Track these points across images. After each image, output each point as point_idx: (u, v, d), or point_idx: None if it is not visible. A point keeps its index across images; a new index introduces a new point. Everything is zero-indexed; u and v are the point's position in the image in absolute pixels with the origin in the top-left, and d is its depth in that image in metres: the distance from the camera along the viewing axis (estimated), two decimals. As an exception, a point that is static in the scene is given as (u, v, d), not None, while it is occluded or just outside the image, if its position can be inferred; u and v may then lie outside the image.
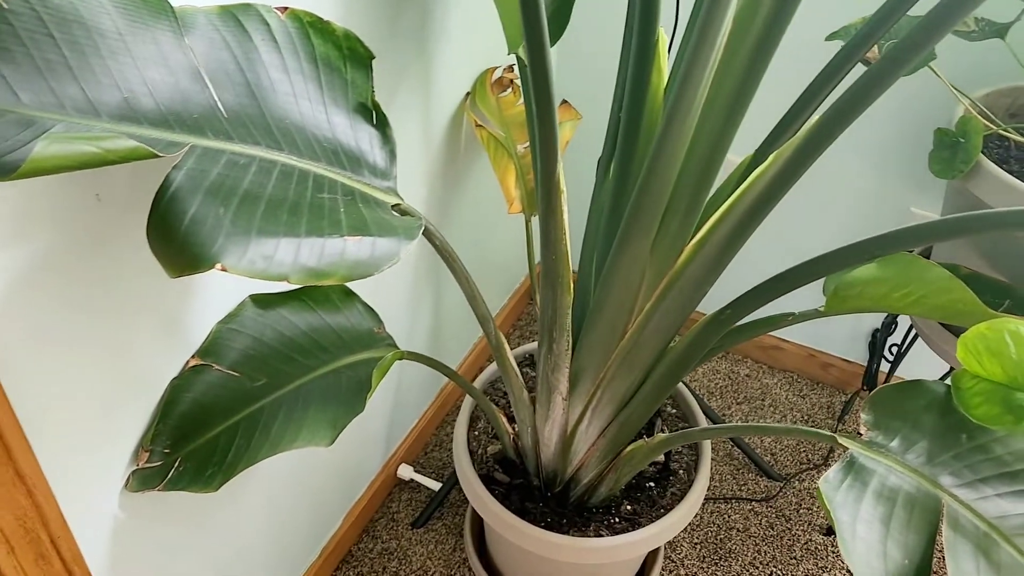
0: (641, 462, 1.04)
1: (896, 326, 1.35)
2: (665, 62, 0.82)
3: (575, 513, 1.11)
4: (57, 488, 0.72)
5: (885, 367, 1.50)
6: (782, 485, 1.49)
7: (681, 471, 1.16)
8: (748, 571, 1.36)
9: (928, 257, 1.22)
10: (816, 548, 1.39)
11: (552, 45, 1.00)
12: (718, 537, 1.41)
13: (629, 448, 1.03)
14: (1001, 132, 1.02)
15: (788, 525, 1.43)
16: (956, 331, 1.07)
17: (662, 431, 1.17)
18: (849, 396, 1.64)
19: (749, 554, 1.38)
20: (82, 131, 0.58)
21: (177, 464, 0.82)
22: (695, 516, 1.44)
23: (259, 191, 0.65)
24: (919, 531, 0.70)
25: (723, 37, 0.67)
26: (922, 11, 0.65)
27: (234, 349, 0.88)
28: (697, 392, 1.66)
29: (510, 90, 1.34)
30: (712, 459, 1.49)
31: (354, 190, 0.73)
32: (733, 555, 1.38)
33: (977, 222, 0.60)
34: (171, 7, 0.66)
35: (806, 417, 1.61)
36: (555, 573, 1.19)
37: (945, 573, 1.34)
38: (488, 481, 1.13)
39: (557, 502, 1.12)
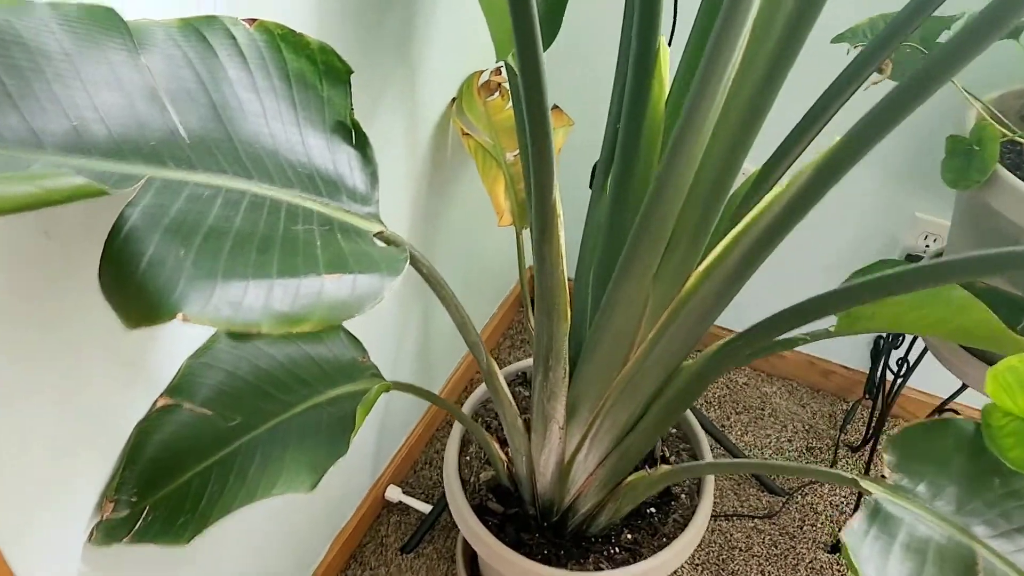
0: (643, 493, 0.98)
1: (903, 338, 1.30)
2: (666, 72, 0.76)
3: (573, 543, 1.05)
4: (9, 550, 0.66)
5: (889, 376, 1.45)
6: (784, 500, 1.44)
7: (683, 495, 1.10)
8: (751, 592, 1.32)
9: (937, 267, 1.17)
10: (821, 567, 1.35)
11: (544, 51, 0.94)
12: (720, 557, 1.36)
13: (630, 478, 0.97)
14: (1017, 138, 0.97)
15: (792, 543, 1.38)
16: (972, 350, 1.02)
17: (663, 455, 1.12)
18: (851, 404, 1.59)
19: (752, 574, 1.33)
20: (21, 167, 0.52)
21: (145, 513, 0.76)
22: (695, 534, 1.38)
23: (225, 226, 0.58)
24: (952, 586, 0.65)
25: (742, 42, 0.61)
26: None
27: (206, 385, 0.82)
28: (695, 403, 1.61)
29: (497, 94, 1.28)
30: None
31: (332, 219, 0.67)
32: None
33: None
34: (124, 22, 0.59)
35: (807, 427, 1.56)
36: (552, 604, 1.13)
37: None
38: (481, 511, 1.07)
39: (554, 532, 1.07)
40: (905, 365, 1.24)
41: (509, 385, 1.03)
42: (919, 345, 1.28)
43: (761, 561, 1.35)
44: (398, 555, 1.34)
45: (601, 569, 1.01)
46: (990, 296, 1.00)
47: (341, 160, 0.71)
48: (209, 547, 0.95)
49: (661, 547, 1.01)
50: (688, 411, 1.16)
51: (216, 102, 0.64)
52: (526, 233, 1.15)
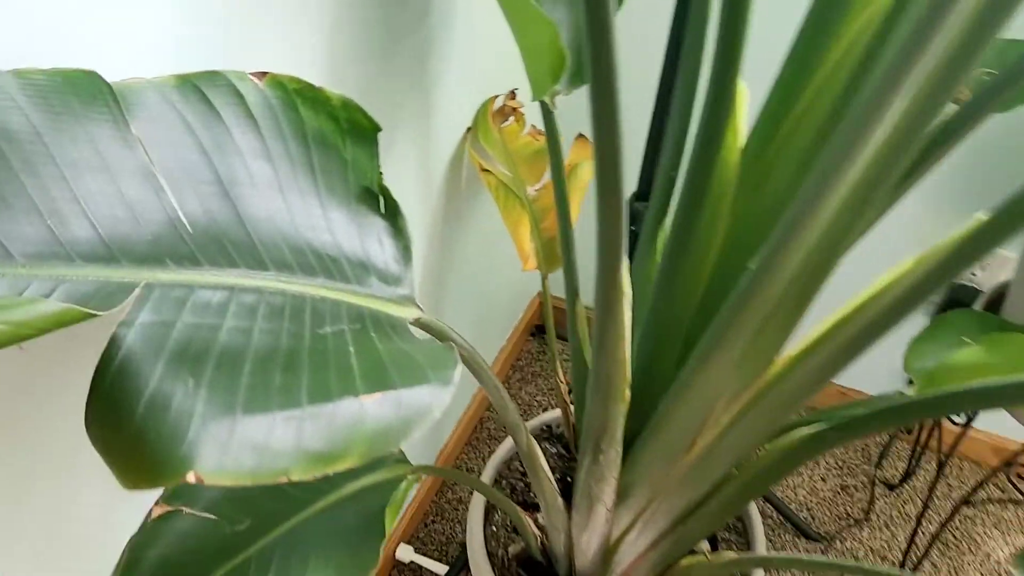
0: (698, 577, 0.88)
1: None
2: (743, 119, 0.66)
3: (615, 625, 0.95)
4: None
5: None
6: (823, 547, 1.35)
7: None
8: (793, 650, 1.23)
9: (997, 309, 1.08)
10: (866, 620, 1.26)
11: (583, 84, 0.83)
12: (758, 611, 1.27)
13: (685, 562, 0.87)
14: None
15: (833, 594, 1.29)
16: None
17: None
18: (887, 439, 1.50)
19: (793, 630, 1.25)
20: (-17, 289, 0.41)
21: (142, 646, 0.65)
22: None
23: (241, 344, 0.47)
24: None
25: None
26: None
27: (209, 487, 0.71)
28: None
29: (512, 119, 1.17)
30: (744, 519, 1.35)
31: (364, 312, 0.56)
32: (774, 631, 1.24)
33: None
34: (108, 86, 0.48)
35: (840, 463, 1.47)
36: None
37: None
38: (512, 588, 0.97)
39: (593, 612, 0.97)
40: (965, 412, 1.15)
41: (535, 439, 0.93)
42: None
43: (802, 615, 1.27)
44: (412, 620, 1.24)
45: (649, 657, 0.91)
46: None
47: (369, 234, 0.60)
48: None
49: (713, 628, 0.92)
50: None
51: (223, 177, 0.52)
52: (554, 279, 1.05)
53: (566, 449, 1.13)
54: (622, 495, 0.81)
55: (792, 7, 0.82)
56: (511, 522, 1.05)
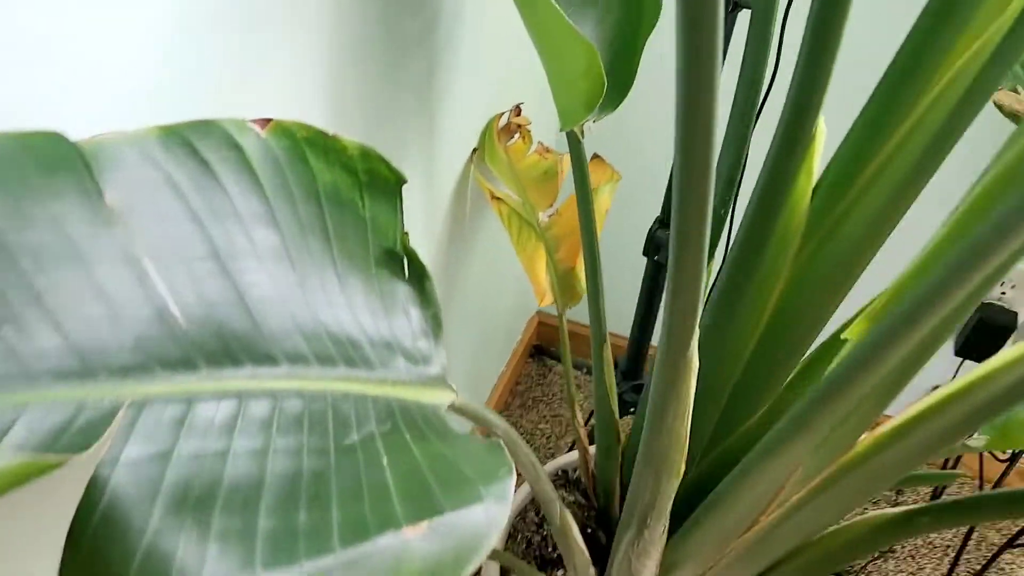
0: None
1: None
2: (817, 161, 0.57)
3: None
4: None
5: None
6: (847, 581, 1.28)
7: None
8: None
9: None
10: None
11: (613, 110, 0.74)
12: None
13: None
14: None
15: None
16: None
17: None
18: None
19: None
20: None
21: None
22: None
23: (255, 474, 0.38)
24: None
25: None
26: None
27: None
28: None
29: (517, 136, 1.08)
30: None
31: (393, 407, 0.46)
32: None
33: None
34: (73, 148, 0.38)
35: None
36: None
37: None
38: (534, 659, 0.88)
39: None
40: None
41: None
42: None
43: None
44: None
45: None
46: None
47: (393, 305, 0.51)
48: None
49: None
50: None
51: (220, 250, 0.43)
52: (576, 313, 0.96)
53: (584, 496, 1.04)
54: (665, 571, 0.72)
55: (883, 32, 0.74)
56: (529, 581, 0.97)
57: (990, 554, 1.22)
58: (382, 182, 0.50)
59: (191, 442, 0.37)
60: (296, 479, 0.38)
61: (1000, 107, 0.81)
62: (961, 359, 1.25)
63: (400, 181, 0.50)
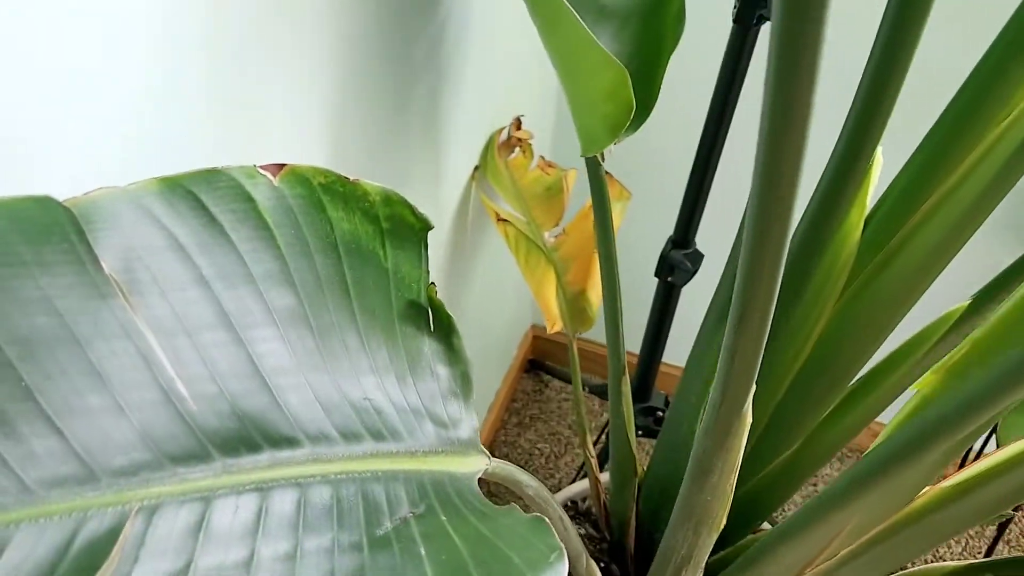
0: None
1: None
2: (871, 191, 0.53)
3: None
4: None
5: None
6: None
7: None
8: None
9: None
10: None
11: (634, 132, 0.69)
12: None
13: None
14: None
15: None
16: None
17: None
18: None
19: None
20: None
21: None
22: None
23: (284, 587, 0.33)
24: None
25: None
26: None
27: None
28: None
29: (518, 150, 1.03)
30: None
31: (425, 484, 0.42)
32: None
33: None
34: (65, 211, 0.34)
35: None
36: None
37: None
38: None
39: None
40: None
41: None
42: None
43: None
44: None
45: None
46: None
47: (419, 365, 0.46)
48: None
49: None
50: None
51: (232, 317, 0.38)
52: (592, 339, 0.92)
53: (595, 528, 1.00)
54: (698, 620, 0.68)
55: (952, 51, 0.70)
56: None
57: None
58: (406, 229, 0.45)
59: (210, 554, 0.32)
60: (330, 588, 0.34)
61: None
62: None
63: (426, 227, 0.45)
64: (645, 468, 0.88)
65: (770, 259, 0.36)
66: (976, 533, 1.33)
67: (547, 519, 0.41)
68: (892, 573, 0.59)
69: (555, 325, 0.91)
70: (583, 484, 1.03)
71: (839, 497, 0.48)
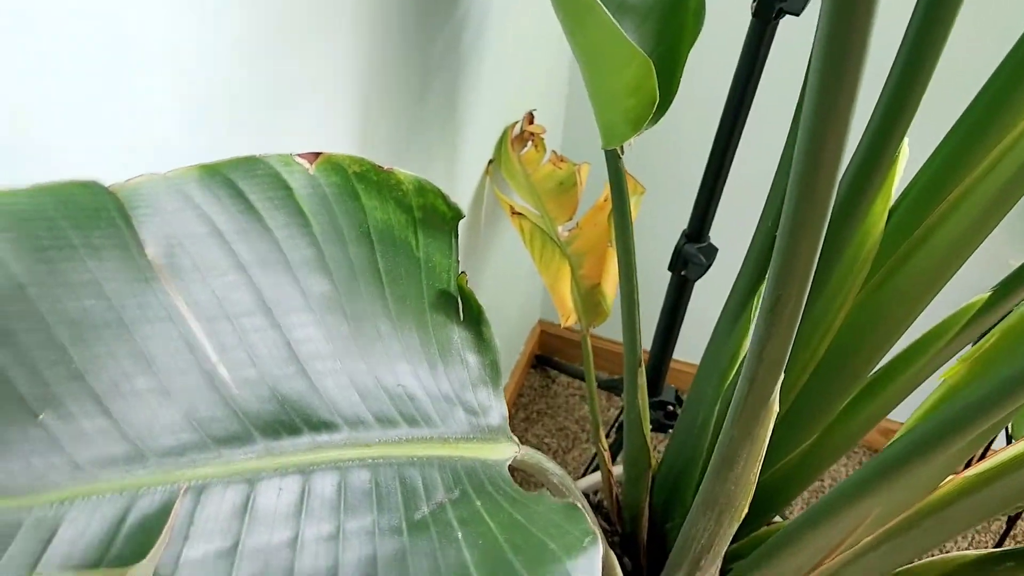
0: None
1: None
2: (896, 182, 0.54)
3: None
4: None
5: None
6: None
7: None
8: None
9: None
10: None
11: (653, 125, 0.70)
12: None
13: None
14: None
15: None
16: None
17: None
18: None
19: None
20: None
21: None
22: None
23: (328, 566, 0.33)
24: None
25: None
26: None
27: None
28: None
29: (530, 145, 1.03)
30: None
31: (459, 470, 0.42)
32: None
33: None
34: (111, 196, 0.34)
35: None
36: None
37: None
38: None
39: None
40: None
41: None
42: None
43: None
44: None
45: None
46: None
47: (449, 353, 0.46)
48: None
49: None
50: None
51: (270, 303, 0.38)
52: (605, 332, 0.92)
53: (607, 521, 1.01)
54: (716, 611, 0.69)
55: (978, 46, 0.70)
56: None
57: None
58: (438, 219, 0.45)
59: (256, 533, 0.32)
60: (371, 566, 0.34)
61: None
62: None
63: (457, 216, 0.46)
64: (658, 461, 0.88)
65: (807, 248, 0.36)
66: (983, 528, 1.33)
67: (580, 506, 0.42)
68: (911, 562, 0.59)
69: (569, 319, 0.91)
70: (594, 478, 1.04)
71: (864, 484, 0.49)
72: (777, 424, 0.68)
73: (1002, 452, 0.48)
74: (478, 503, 0.41)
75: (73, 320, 0.31)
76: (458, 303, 0.47)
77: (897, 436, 0.49)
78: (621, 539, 0.97)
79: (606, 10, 0.53)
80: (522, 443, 0.65)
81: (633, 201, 0.97)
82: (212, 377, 0.35)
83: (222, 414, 0.35)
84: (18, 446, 0.29)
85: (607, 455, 0.96)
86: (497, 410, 0.48)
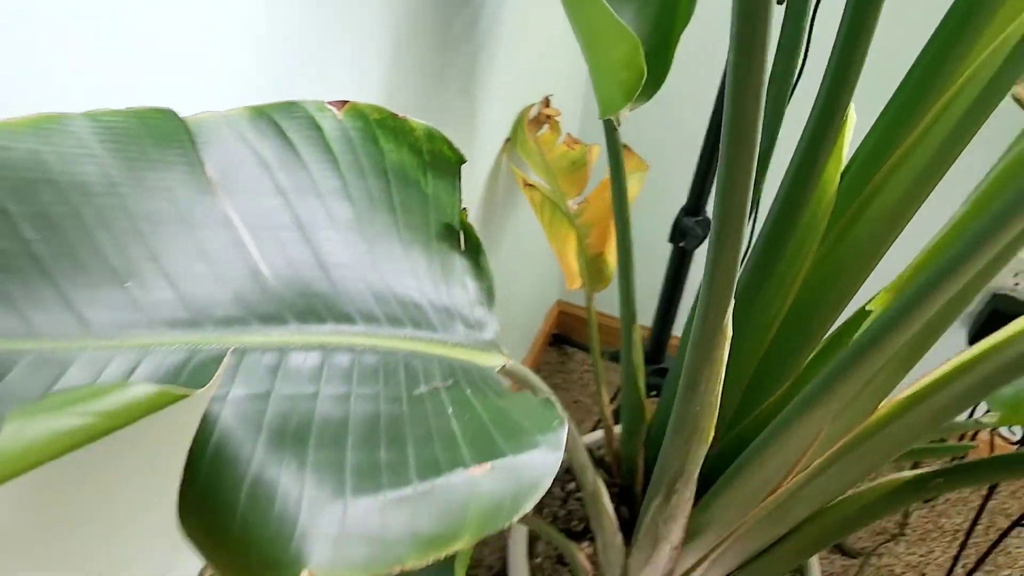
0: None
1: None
2: (846, 146, 0.61)
3: (671, 661, 0.91)
4: None
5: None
6: (859, 564, 1.32)
7: (784, 593, 0.97)
8: (834, 671, 1.20)
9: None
10: (906, 638, 1.24)
11: (647, 100, 0.78)
12: (797, 632, 1.23)
13: (752, 601, 0.84)
14: None
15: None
16: None
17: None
18: (917, 450, 1.47)
19: (833, 650, 1.22)
20: (58, 369, 0.35)
21: None
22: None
23: (341, 415, 0.42)
24: None
25: None
26: None
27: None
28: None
29: (547, 127, 1.12)
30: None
31: (455, 367, 0.51)
32: (814, 652, 1.21)
33: None
34: (182, 124, 0.43)
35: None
36: None
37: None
38: (561, 625, 0.93)
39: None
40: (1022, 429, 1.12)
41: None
42: None
43: (841, 634, 1.24)
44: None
45: None
46: None
47: (451, 277, 0.55)
48: None
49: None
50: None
51: (303, 221, 0.47)
52: (601, 298, 1.00)
53: (608, 473, 1.09)
54: (691, 535, 0.77)
55: (910, 28, 0.77)
56: (556, 552, 1.01)
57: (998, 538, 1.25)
58: (444, 162, 0.54)
59: (285, 386, 0.41)
60: (375, 421, 0.43)
61: (1019, 101, 0.84)
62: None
63: (460, 161, 0.54)
64: (652, 416, 0.96)
65: (741, 181, 0.44)
66: (958, 501, 1.39)
67: (553, 399, 0.50)
68: (859, 484, 0.67)
69: (575, 282, 1.00)
70: (597, 434, 1.12)
71: (811, 397, 0.57)
72: (747, 382, 0.75)
73: (926, 377, 0.56)
74: (468, 391, 0.49)
75: (150, 216, 0.40)
76: (460, 236, 0.56)
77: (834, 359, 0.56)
78: (620, 491, 1.05)
79: (600, -5, 0.61)
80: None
81: (638, 177, 1.05)
82: (255, 272, 0.44)
83: (262, 300, 0.44)
84: (110, 304, 0.38)
85: (608, 410, 1.04)
86: (491, 327, 0.56)
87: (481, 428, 0.46)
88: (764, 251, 0.67)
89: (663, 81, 0.77)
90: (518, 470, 0.44)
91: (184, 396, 0.34)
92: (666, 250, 1.04)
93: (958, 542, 1.34)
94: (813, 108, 0.59)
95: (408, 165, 0.53)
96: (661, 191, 1.17)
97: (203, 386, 0.37)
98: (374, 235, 0.51)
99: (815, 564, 0.97)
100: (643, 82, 0.67)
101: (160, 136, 0.41)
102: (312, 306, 0.46)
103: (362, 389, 0.44)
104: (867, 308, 0.59)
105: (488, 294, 0.57)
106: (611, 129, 0.77)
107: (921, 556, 1.34)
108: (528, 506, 0.44)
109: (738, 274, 0.53)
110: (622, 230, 0.81)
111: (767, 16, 0.36)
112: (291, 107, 0.48)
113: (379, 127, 0.52)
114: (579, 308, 1.61)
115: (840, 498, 0.70)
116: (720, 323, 0.55)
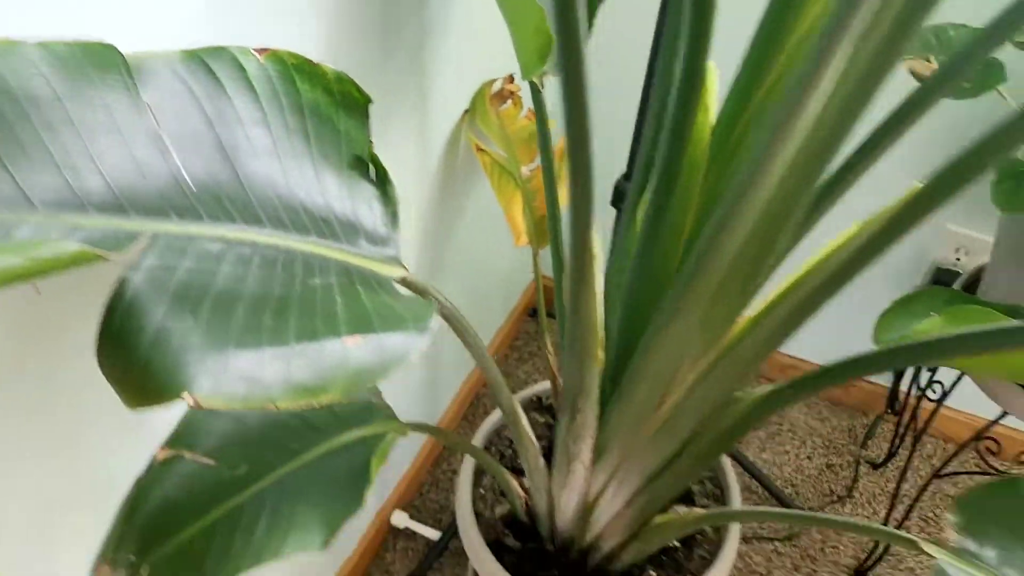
0: (672, 535, 0.93)
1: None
2: (713, 98, 0.70)
3: (595, 582, 1.00)
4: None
5: (914, 389, 1.40)
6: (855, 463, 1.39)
7: (708, 529, 1.06)
8: (772, 619, 1.28)
9: (974, 290, 1.12)
10: (843, 592, 1.31)
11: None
12: (739, 582, 1.32)
13: (660, 519, 0.92)
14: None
15: (814, 566, 1.34)
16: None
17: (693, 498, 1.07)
18: (872, 419, 1.54)
19: (772, 600, 1.30)
20: (6, 231, 0.46)
21: (147, 576, 0.70)
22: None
23: (236, 288, 0.52)
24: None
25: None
26: None
27: (210, 434, 0.76)
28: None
29: (510, 102, 1.22)
30: (729, 494, 1.40)
31: (351, 268, 0.61)
32: (755, 601, 1.29)
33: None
34: (123, 58, 0.53)
35: (827, 443, 1.51)
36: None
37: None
38: (497, 547, 1.02)
39: (574, 570, 1.02)
40: (940, 388, 1.19)
41: (524, 411, 0.98)
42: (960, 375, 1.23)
43: (782, 586, 1.31)
44: (406, 582, 1.29)
45: (625, 612, 0.96)
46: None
47: (359, 199, 0.65)
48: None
49: (687, 587, 0.97)
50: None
51: (224, 142, 0.58)
52: (544, 255, 1.10)
53: (553, 418, 1.18)
54: (598, 454, 0.86)
55: None
56: (499, 486, 1.10)
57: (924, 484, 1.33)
58: (353, 101, 0.64)
59: (191, 262, 0.51)
60: (266, 297, 0.53)
61: (915, 74, 0.93)
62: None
63: (367, 101, 0.65)
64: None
65: (578, 113, 0.54)
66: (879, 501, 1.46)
67: (434, 301, 0.60)
68: (731, 392, 0.75)
69: (521, 239, 1.09)
70: (547, 384, 1.21)
71: (670, 306, 0.66)
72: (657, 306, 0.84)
73: (771, 292, 0.65)
74: (360, 288, 0.59)
75: (89, 124, 0.51)
76: (369, 167, 0.66)
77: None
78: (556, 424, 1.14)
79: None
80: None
81: (582, 146, 1.14)
82: (178, 175, 0.55)
83: (181, 198, 0.54)
84: (52, 187, 0.49)
85: (552, 359, 1.13)
86: (394, 245, 0.66)
87: (363, 313, 0.56)
88: (657, 197, 0.76)
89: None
90: (386, 344, 0.54)
91: (103, 258, 0.45)
92: (611, 213, 1.13)
93: (904, 506, 1.41)
94: (681, 68, 0.68)
95: (322, 104, 0.63)
96: (606, 159, 1.26)
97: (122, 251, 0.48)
98: (289, 158, 0.61)
99: (728, 469, 1.05)
100: (552, 46, 0.77)
101: (103, 65, 0.52)
102: (226, 209, 0.56)
103: (259, 272, 0.54)
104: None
105: (393, 217, 0.67)
106: (536, 92, 0.87)
107: (865, 516, 1.41)
108: (392, 373, 0.53)
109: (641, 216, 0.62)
110: (549, 187, 0.91)
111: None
112: (220, 51, 0.59)
113: (296, 71, 0.62)
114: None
115: (712, 418, 0.79)
116: (586, 246, 0.65)
